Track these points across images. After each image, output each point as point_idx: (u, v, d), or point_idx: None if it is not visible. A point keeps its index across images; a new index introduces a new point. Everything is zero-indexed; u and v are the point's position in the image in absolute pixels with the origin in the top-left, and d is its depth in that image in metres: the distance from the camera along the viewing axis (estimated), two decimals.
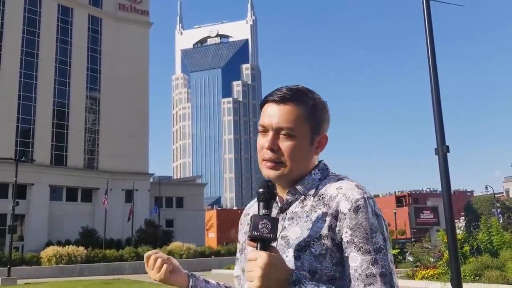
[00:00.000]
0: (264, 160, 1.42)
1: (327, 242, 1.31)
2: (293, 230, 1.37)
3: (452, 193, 7.75)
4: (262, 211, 1.28)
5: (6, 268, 26.93)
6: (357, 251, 1.29)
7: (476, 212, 60.03)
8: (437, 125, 7.52)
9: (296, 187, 1.42)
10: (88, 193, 56.46)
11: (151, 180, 65.48)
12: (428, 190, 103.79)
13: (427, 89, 8.02)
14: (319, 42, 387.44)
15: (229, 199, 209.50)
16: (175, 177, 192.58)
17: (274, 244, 1.29)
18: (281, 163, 1.40)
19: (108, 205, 45.53)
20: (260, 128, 1.46)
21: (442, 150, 7.29)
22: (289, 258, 1.32)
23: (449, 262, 8.16)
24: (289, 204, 1.43)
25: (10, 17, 54.83)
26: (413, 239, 41.32)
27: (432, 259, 20.95)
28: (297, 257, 1.32)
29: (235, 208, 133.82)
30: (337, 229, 1.32)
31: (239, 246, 1.61)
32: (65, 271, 30.86)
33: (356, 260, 1.28)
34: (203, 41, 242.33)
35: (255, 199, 1.47)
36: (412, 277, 18.51)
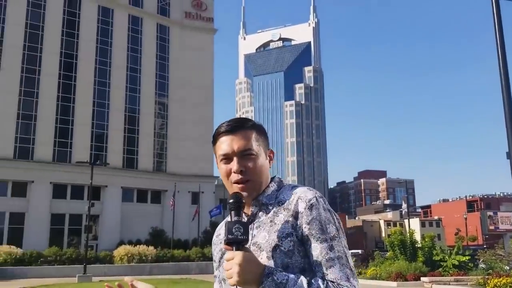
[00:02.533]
0: (235, 183, 1.63)
1: (293, 238, 1.53)
2: (261, 235, 1.58)
3: None
4: (234, 218, 1.50)
5: (82, 265, 28.07)
6: (316, 241, 1.52)
7: None
8: (509, 128, 7.33)
9: (259, 199, 1.65)
10: (157, 194, 58.69)
11: (216, 182, 66.92)
12: (502, 195, 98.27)
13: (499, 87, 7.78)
14: (382, 41, 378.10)
15: None
16: None
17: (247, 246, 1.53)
18: (249, 181, 1.62)
19: (175, 207, 47.14)
20: (221, 157, 1.66)
21: None
22: (263, 260, 1.52)
23: None
24: (255, 215, 1.65)
25: (85, 29, 58.22)
26: (485, 246, 39.44)
27: (506, 267, 20.03)
28: (270, 257, 1.53)
29: None
30: (297, 226, 1.54)
31: (215, 264, 1.78)
32: (136, 269, 31.67)
33: (316, 249, 1.51)
34: (265, 45, 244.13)
35: (222, 223, 1.77)
36: (483, 285, 17.81)
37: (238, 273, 1.39)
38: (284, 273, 1.45)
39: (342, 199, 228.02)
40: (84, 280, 24.21)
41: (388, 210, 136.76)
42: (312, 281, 1.45)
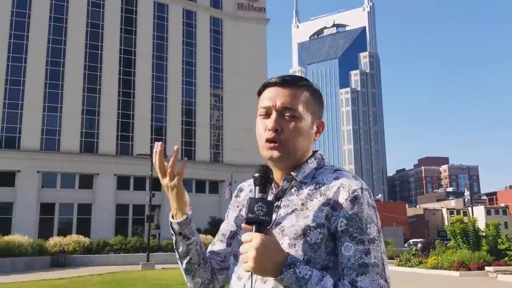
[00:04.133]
0: (267, 141, 1.42)
1: (323, 231, 1.32)
2: (288, 218, 1.37)
3: None
4: (258, 195, 1.31)
5: (146, 254, 29.18)
6: (351, 240, 1.30)
7: None
8: None
9: (293, 173, 1.43)
10: (215, 185, 59.92)
11: None
12: None
13: None
14: (440, 23, 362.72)
15: None
16: None
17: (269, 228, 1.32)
18: (283, 144, 1.40)
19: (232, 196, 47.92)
20: (260, 111, 1.46)
21: None
22: (284, 246, 1.31)
23: None
24: (284, 191, 1.43)
25: (142, 25, 60.06)
26: None
27: None
28: (291, 245, 1.32)
29: None
30: (333, 218, 1.32)
31: (225, 225, 1.66)
32: None
33: (350, 250, 1.29)
34: (319, 32, 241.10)
35: (245, 182, 1.64)
36: None
37: (254, 259, 1.21)
38: (308, 267, 1.25)
39: (401, 187, 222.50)
40: (147, 268, 25.20)
41: (450, 198, 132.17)
42: (339, 284, 1.24)
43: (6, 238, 22.95)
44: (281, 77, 1.46)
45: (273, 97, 1.44)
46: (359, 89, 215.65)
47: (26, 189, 49.40)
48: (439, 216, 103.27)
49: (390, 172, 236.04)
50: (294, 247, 1.32)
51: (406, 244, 55.29)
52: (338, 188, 1.35)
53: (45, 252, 26.84)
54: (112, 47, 57.56)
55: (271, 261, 1.22)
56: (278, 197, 1.43)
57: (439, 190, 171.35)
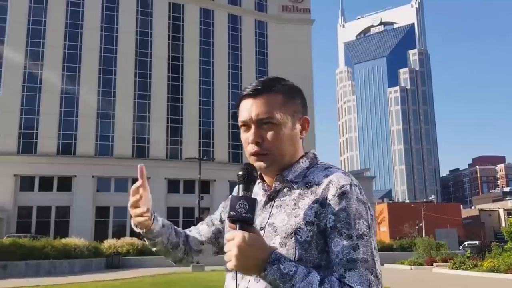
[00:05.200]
0: (251, 155, 1.44)
1: (313, 228, 1.30)
2: (280, 217, 1.36)
3: None
4: (241, 193, 1.31)
5: None
6: (340, 236, 1.27)
7: None
8: None
9: (284, 174, 1.43)
10: None
11: None
12: None
13: None
14: (493, 15, 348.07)
15: (400, 192, 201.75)
16: None
17: (258, 227, 1.35)
18: (268, 154, 1.40)
19: None
20: (240, 124, 1.47)
21: None
22: (275, 245, 1.31)
23: None
24: (277, 192, 1.43)
25: (188, 32, 61.34)
26: None
27: None
28: (282, 244, 1.31)
29: (407, 201, 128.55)
30: (322, 215, 1.31)
31: (212, 217, 1.72)
32: None
33: (338, 245, 1.27)
34: (366, 31, 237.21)
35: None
36: None
37: (236, 257, 1.21)
38: (293, 263, 1.23)
39: (455, 188, 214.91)
40: (197, 270, 25.62)
41: (508, 198, 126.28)
42: (326, 280, 1.22)
43: (64, 240, 24.00)
44: (253, 86, 1.44)
45: (249, 109, 1.42)
46: (408, 87, 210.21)
47: (82, 193, 51.52)
48: (496, 217, 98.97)
49: (443, 172, 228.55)
50: (285, 246, 1.31)
51: (461, 247, 53.49)
52: (327, 185, 1.35)
53: (100, 254, 27.81)
54: (160, 54, 59.11)
55: (255, 258, 1.22)
56: (272, 198, 1.43)
57: (496, 190, 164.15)
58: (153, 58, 58.90)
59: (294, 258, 1.29)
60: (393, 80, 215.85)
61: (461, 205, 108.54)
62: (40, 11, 56.02)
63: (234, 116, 61.95)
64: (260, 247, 1.23)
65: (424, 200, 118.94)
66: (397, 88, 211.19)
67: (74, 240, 23.72)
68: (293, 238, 1.31)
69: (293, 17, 67.76)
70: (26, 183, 51.64)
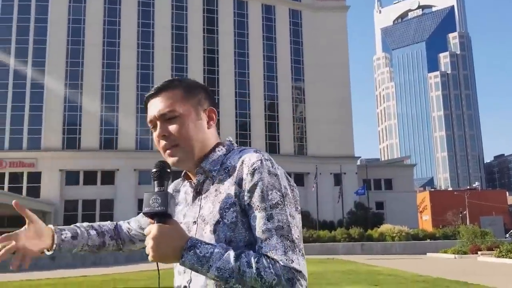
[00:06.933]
0: (163, 150, 1.47)
1: (236, 208, 1.35)
2: (207, 207, 1.41)
3: None
4: (156, 189, 1.34)
5: None
6: (255, 210, 1.32)
7: None
8: None
9: (202, 165, 1.46)
10: (300, 177, 60.06)
11: (358, 163, 66.16)
12: None
13: None
14: None
15: (443, 180, 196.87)
16: (382, 159, 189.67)
17: (191, 221, 1.43)
18: (177, 145, 1.44)
19: (318, 189, 47.81)
20: (149, 125, 1.52)
21: None
22: (206, 234, 1.37)
23: None
24: (202, 184, 1.47)
25: (223, 24, 61.61)
26: None
27: None
28: (213, 231, 1.35)
29: (450, 189, 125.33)
30: (241, 195, 1.35)
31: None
32: None
33: (255, 219, 1.31)
34: (403, 15, 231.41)
35: (175, 182, 1.65)
36: None
37: (152, 248, 1.27)
38: (210, 245, 1.28)
39: (501, 174, 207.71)
40: None
41: None
42: (242, 255, 1.26)
43: None
44: (154, 88, 1.52)
45: (152, 109, 1.48)
46: (449, 72, 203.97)
47: (124, 186, 52.96)
48: None
49: (487, 158, 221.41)
50: (215, 232, 1.35)
51: (507, 235, 51.90)
52: (241, 165, 1.38)
53: None
54: (196, 48, 59.69)
55: (171, 248, 1.27)
56: (199, 191, 1.47)
57: None
58: (188, 52, 59.54)
59: (225, 241, 1.33)
60: (433, 65, 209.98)
61: (507, 192, 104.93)
62: (79, 9, 57.57)
63: (270, 106, 61.99)
64: (177, 236, 1.28)
65: (468, 187, 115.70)
66: (438, 73, 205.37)
67: None
68: (221, 222, 1.35)
69: (328, 5, 66.86)
70: (71, 177, 53.52)
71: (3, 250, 1.42)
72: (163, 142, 1.46)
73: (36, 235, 1.52)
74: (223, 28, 61.59)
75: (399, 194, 62.61)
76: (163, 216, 1.29)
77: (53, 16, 56.77)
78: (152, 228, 1.28)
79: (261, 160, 1.37)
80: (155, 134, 1.48)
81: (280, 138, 61.45)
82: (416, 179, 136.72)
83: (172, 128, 1.44)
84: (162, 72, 57.45)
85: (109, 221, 1.83)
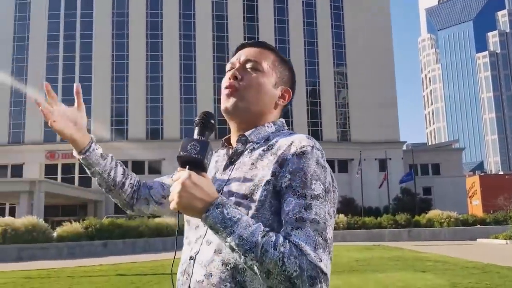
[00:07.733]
0: (225, 87, 1.41)
1: (268, 188, 1.23)
2: (237, 178, 1.30)
3: None
4: (196, 137, 1.28)
5: None
6: (293, 195, 1.19)
7: None
8: None
9: (246, 134, 1.38)
10: (344, 164, 59.50)
11: (404, 148, 64.79)
12: None
13: None
14: None
15: (493, 164, 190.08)
16: (429, 143, 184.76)
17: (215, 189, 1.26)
18: (241, 91, 1.38)
19: (363, 175, 47.25)
20: (227, 67, 1.46)
21: None
22: None
23: None
24: (239, 154, 1.37)
25: (263, 11, 61.44)
26: None
27: None
28: (237, 203, 1.24)
29: (501, 173, 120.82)
30: (280, 175, 1.23)
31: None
32: None
33: (290, 204, 1.19)
34: None
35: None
36: None
37: (178, 194, 1.15)
38: (239, 211, 1.16)
39: None
40: None
41: None
42: (271, 233, 1.13)
43: (157, 220, 25.46)
44: (252, 40, 1.50)
45: (241, 53, 1.45)
46: (499, 51, 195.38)
47: (172, 175, 54.10)
48: None
49: None
50: (240, 205, 1.24)
51: None
52: (289, 146, 1.27)
53: None
54: (236, 36, 59.86)
55: (198, 199, 1.15)
56: (233, 161, 1.37)
57: None
58: (229, 41, 59.80)
59: None
60: (481, 44, 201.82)
61: None
62: (122, 4, 58.91)
63: (312, 92, 61.52)
64: (207, 189, 1.17)
65: None
66: (486, 53, 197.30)
67: (165, 220, 25.09)
68: (249, 198, 1.24)
69: None
70: None
71: (45, 104, 1.52)
72: (230, 82, 1.40)
73: (75, 122, 1.58)
74: (263, 15, 61.44)
75: (448, 179, 60.97)
76: (198, 165, 1.19)
77: (97, 12, 58.39)
78: (183, 174, 1.18)
79: (312, 146, 1.26)
80: (228, 74, 1.42)
81: (322, 125, 60.96)
82: (465, 163, 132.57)
83: (248, 75, 1.39)
84: (204, 62, 58.09)
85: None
